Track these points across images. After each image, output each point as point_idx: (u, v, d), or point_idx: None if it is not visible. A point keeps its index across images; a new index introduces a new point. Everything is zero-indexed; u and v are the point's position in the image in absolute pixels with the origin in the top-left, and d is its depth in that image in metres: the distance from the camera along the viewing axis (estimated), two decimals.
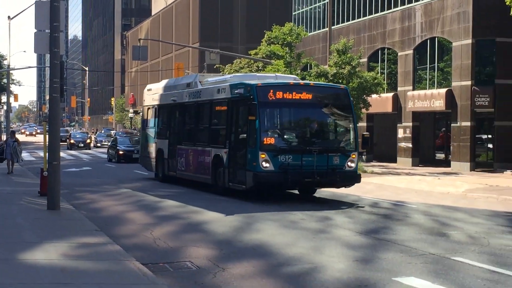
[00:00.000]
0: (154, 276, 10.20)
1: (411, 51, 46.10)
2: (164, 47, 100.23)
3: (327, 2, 46.01)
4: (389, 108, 46.88)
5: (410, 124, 45.80)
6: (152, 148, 30.24)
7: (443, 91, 42.20)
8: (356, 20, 52.84)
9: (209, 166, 24.11)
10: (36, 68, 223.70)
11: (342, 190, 23.83)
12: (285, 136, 21.97)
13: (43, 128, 23.45)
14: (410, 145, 45.57)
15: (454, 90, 41.70)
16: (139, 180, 30.85)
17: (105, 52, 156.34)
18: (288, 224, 16.94)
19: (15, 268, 10.37)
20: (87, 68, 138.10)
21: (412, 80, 45.54)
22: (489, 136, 41.94)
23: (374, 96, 40.98)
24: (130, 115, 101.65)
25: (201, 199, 22.58)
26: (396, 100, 47.04)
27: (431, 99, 43.04)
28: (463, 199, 25.31)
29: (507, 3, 29.91)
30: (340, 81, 38.18)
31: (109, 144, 50.65)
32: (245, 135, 21.61)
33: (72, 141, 68.93)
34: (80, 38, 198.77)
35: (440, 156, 46.27)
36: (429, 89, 44.15)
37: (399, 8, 47.70)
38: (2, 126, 76.17)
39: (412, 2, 46.40)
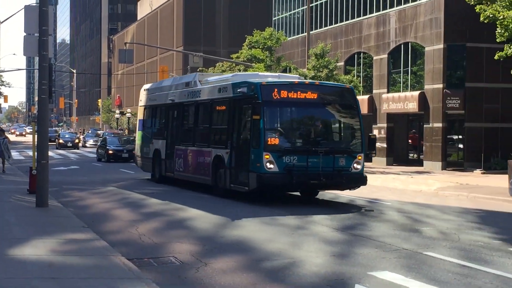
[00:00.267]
0: (139, 271, 10.16)
1: (385, 56, 46.26)
2: (149, 50, 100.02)
3: (306, 8, 46.08)
4: (364, 110, 46.96)
5: (385, 125, 45.99)
6: (149, 149, 28.91)
7: (416, 93, 42.41)
8: (333, 26, 52.95)
9: (209, 167, 22.72)
10: (25, 70, 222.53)
11: None
12: (290, 137, 20.63)
13: (32, 128, 23.32)
14: (385, 145, 45.74)
15: (427, 93, 41.91)
16: (125, 178, 30.74)
17: (92, 55, 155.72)
18: (268, 221, 16.93)
19: (4, 263, 10.30)
20: (74, 71, 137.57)
21: (386, 83, 45.72)
22: (460, 136, 42.16)
23: None
24: (117, 116, 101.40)
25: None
26: (371, 102, 47.22)
27: (404, 101, 43.23)
28: (435, 197, 25.44)
29: (477, 10, 30.06)
30: None
31: (98, 144, 50.31)
32: (248, 135, 20.32)
33: (61, 141, 68.59)
34: (68, 42, 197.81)
35: (412, 155, 46.50)
36: (402, 91, 44.36)
37: (374, 14, 47.85)
38: None
39: (386, 9, 46.57)
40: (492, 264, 11.76)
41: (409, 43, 44.21)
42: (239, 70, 48.44)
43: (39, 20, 17.53)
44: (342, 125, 21.84)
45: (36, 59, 18.59)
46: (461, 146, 41.99)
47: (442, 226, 16.68)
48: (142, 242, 13.53)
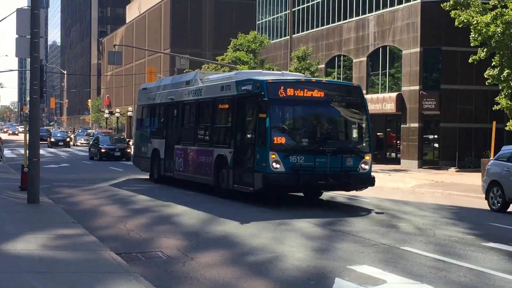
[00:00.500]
0: (127, 265, 10.14)
1: (364, 58, 46.38)
2: (137, 52, 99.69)
3: (288, 13, 46.10)
4: None
5: None
6: (147, 148, 27.42)
7: (394, 95, 42.54)
8: (315, 29, 53.01)
9: (211, 166, 21.33)
10: (17, 71, 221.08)
11: None
12: (296, 136, 19.32)
13: (24, 127, 23.18)
14: None
15: (404, 94, 42.06)
16: (114, 176, 30.56)
17: (82, 57, 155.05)
18: (250, 216, 16.92)
19: None
20: (65, 72, 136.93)
21: (365, 85, 45.79)
22: (435, 136, 42.33)
23: None
24: (106, 115, 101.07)
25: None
26: None
27: (383, 102, 43.35)
28: (412, 194, 25.55)
29: (452, 16, 30.20)
30: None
31: (90, 143, 49.94)
32: (253, 134, 19.04)
33: (52, 139, 68.19)
34: (59, 44, 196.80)
35: (389, 154, 46.63)
36: (381, 93, 44.48)
37: (354, 18, 47.96)
38: None
39: (365, 13, 46.68)
40: (465, 258, 11.83)
41: (387, 47, 44.35)
42: (224, 72, 48.35)
43: (31, 23, 17.43)
44: (349, 124, 20.45)
45: (28, 60, 18.51)
46: (436, 145, 42.16)
47: (418, 222, 16.75)
48: (130, 237, 13.49)
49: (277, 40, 58.93)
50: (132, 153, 44.44)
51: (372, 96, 44.59)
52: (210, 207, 18.59)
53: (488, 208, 20.49)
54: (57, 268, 9.74)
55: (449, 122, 41.08)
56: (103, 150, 44.45)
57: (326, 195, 22.88)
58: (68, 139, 70.09)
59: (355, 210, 19.11)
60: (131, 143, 44.44)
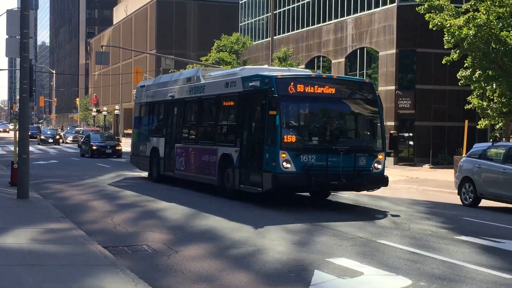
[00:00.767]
0: (114, 258, 10.09)
1: (343, 59, 46.50)
2: (124, 53, 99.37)
3: (270, 15, 46.10)
4: None
5: None
6: (145, 147, 25.77)
7: None
8: (295, 31, 53.07)
9: (215, 166, 19.86)
10: (7, 70, 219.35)
11: None
12: (307, 134, 17.84)
13: (14, 125, 23.03)
14: None
15: (380, 94, 41.69)
16: (102, 172, 30.42)
17: (70, 57, 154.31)
18: (230, 210, 16.90)
19: None
20: (54, 71, 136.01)
21: None
22: (410, 134, 42.54)
23: None
24: (93, 113, 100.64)
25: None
26: None
27: None
28: (388, 189, 25.51)
29: (426, 19, 30.34)
30: None
31: (81, 140, 49.49)
32: (261, 132, 17.43)
33: (42, 137, 67.66)
34: (48, 44, 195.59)
35: None
36: None
37: (333, 21, 48.06)
38: None
39: (344, 16, 46.79)
40: (439, 251, 11.89)
41: (365, 48, 44.50)
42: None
43: (21, 24, 17.30)
44: (362, 122, 18.95)
45: (18, 60, 18.32)
46: (411, 143, 42.37)
47: (394, 216, 16.81)
48: (117, 231, 13.42)
49: (259, 41, 58.93)
50: (122, 150, 44.49)
51: None
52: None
53: (460, 203, 20.63)
54: (46, 261, 9.68)
55: (424, 120, 41.31)
56: (94, 147, 44.07)
57: None
58: (58, 137, 69.60)
59: (334, 205, 19.13)
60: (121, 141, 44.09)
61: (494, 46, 28.47)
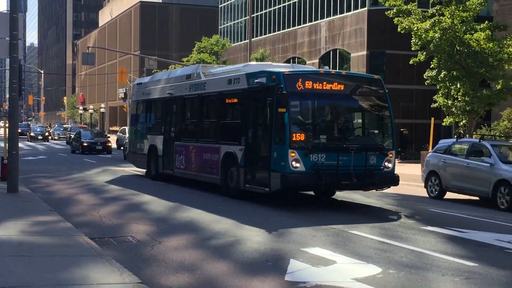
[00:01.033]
0: (100, 249, 10.05)
1: (317, 60, 46.60)
2: (109, 54, 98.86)
3: (248, 18, 46.06)
4: None
5: None
6: (143, 145, 24.23)
7: None
8: (272, 34, 53.10)
9: (217, 165, 18.47)
10: None
11: None
12: (317, 132, 16.46)
13: (4, 122, 22.81)
14: None
15: None
16: (88, 167, 30.21)
17: (58, 58, 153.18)
18: (210, 203, 16.87)
19: None
20: (42, 71, 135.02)
21: None
22: None
23: None
24: (80, 111, 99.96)
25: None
26: None
27: None
28: None
29: (395, 22, 30.47)
30: None
31: (72, 137, 48.89)
32: (268, 130, 16.05)
33: (32, 134, 67.06)
34: (36, 45, 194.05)
35: None
36: None
37: (307, 24, 48.15)
38: None
39: (318, 19, 46.88)
40: (407, 240, 11.96)
41: (337, 50, 44.64)
42: None
43: (10, 26, 17.13)
44: (372, 119, 17.73)
45: (7, 60, 18.17)
46: None
47: (365, 207, 16.87)
48: (103, 223, 13.36)
49: (238, 43, 58.88)
50: (112, 146, 44.10)
51: None
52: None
53: (427, 195, 20.79)
54: (35, 252, 9.62)
55: (394, 119, 41.47)
56: (85, 144, 43.32)
57: None
58: (47, 134, 68.96)
59: (309, 198, 19.17)
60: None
61: (458, 48, 28.69)
